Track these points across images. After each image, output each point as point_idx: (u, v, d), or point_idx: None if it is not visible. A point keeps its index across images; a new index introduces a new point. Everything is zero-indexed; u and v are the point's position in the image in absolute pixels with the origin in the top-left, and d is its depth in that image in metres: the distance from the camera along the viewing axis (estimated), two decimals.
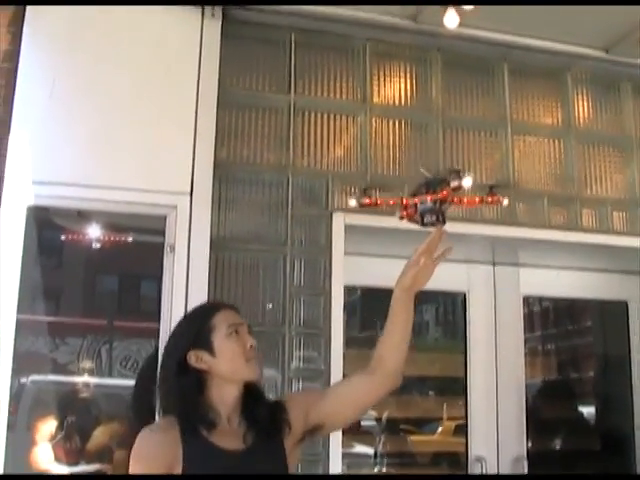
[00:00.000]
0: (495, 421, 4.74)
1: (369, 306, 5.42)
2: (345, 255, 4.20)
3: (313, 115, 4.32)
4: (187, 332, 2.68)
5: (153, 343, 4.03)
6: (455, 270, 4.81)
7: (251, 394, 2.66)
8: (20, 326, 3.75)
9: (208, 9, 4.16)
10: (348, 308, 5.17)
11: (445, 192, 2.70)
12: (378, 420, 5.34)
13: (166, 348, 2.71)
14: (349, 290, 4.98)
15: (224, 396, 2.62)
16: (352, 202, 2.82)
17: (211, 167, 4.05)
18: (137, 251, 4.80)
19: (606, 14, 4.31)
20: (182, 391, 2.58)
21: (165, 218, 4.00)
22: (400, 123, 4.45)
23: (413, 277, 2.69)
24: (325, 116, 4.34)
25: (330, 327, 4.09)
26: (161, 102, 4.03)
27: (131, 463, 2.49)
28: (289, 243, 4.14)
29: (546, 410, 5.40)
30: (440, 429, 5.51)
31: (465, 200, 2.88)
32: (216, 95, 4.12)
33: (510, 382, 4.80)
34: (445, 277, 4.77)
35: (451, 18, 4.16)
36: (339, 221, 4.19)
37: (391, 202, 2.86)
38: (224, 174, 4.10)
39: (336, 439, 4.00)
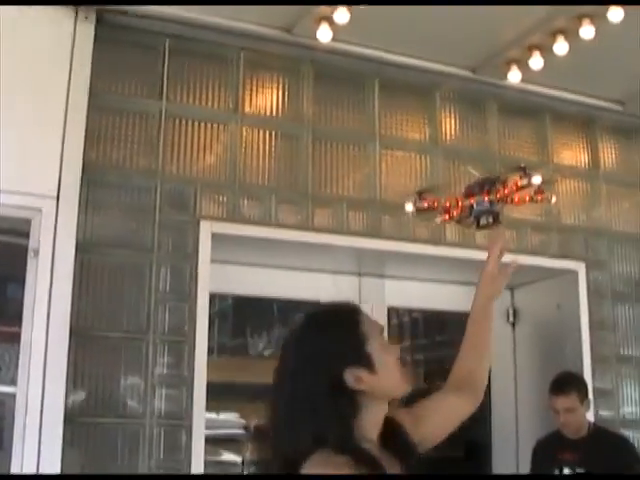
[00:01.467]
0: None
1: (240, 314, 5.45)
2: (213, 263, 4.19)
3: (184, 122, 4.31)
4: (340, 345, 2.10)
5: (17, 348, 3.94)
6: (321, 280, 4.88)
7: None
8: None
9: (82, 12, 4.10)
10: (219, 316, 5.19)
11: (507, 191, 2.63)
12: (246, 428, 5.36)
13: (309, 365, 2.08)
14: (220, 298, 4.99)
15: (379, 418, 2.13)
16: (409, 207, 2.67)
17: (79, 170, 3.98)
18: (3, 253, 4.70)
19: (474, 35, 4.45)
20: (341, 419, 2.04)
21: (30, 221, 3.93)
22: (271, 133, 4.48)
23: (495, 284, 2.59)
24: (196, 123, 4.33)
25: (195, 334, 4.08)
26: (29, 104, 3.95)
27: None
28: (155, 249, 4.11)
29: None
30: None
31: (516, 198, 2.70)
32: (87, 98, 4.06)
33: None
34: (311, 287, 4.89)
35: (324, 32, 4.24)
36: (206, 229, 4.18)
37: (447, 204, 2.74)
38: (92, 177, 4.04)
39: (198, 446, 3.99)
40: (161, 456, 3.94)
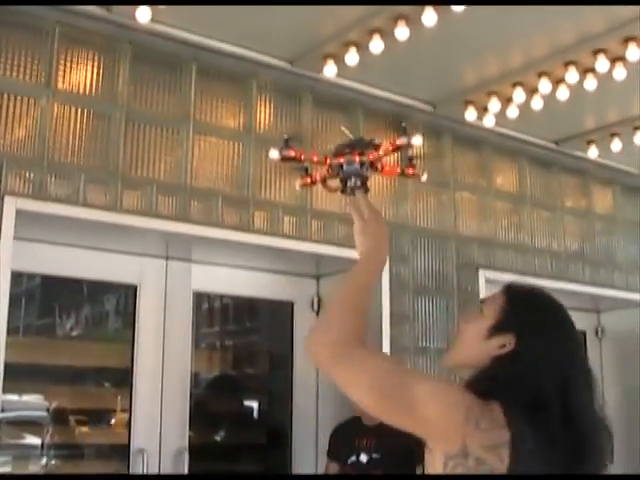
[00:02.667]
0: (159, 413, 4.81)
1: (48, 294, 5.35)
2: (19, 240, 4.08)
3: None
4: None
5: None
6: (128, 262, 4.86)
7: None
8: None
9: None
10: (26, 295, 5.08)
11: (381, 152, 2.41)
12: (47, 410, 5.27)
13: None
14: (28, 277, 4.89)
15: None
16: (274, 154, 2.50)
17: None
18: None
19: (293, 27, 4.53)
20: None
21: None
22: (83, 111, 4.39)
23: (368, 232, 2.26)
24: (6, 96, 4.18)
25: None
26: None
27: None
28: None
29: (212, 403, 5.57)
30: (113, 421, 5.50)
31: (387, 168, 2.46)
32: None
33: (176, 375, 4.89)
34: (118, 268, 4.86)
35: (143, 13, 4.21)
36: (10, 205, 4.05)
37: (314, 159, 2.52)
38: None
39: None
40: None
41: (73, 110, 4.39)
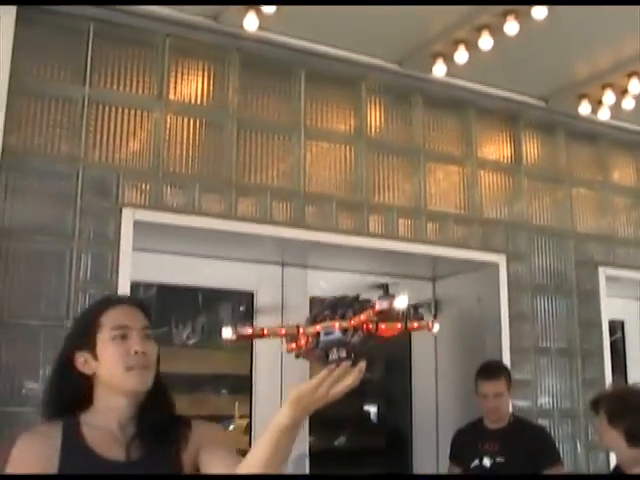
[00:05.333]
0: None
1: (164, 303, 5.41)
2: (136, 251, 4.15)
3: (107, 108, 4.24)
4: (75, 331, 2.49)
5: None
6: (244, 269, 4.88)
7: (149, 403, 2.41)
8: None
9: None
10: None
11: (362, 317, 2.02)
12: None
13: (60, 348, 2.50)
14: (145, 287, 4.95)
15: (113, 404, 2.41)
16: (227, 333, 2.18)
17: None
18: None
19: (400, 28, 4.49)
20: (67, 395, 2.41)
21: None
22: (195, 121, 4.45)
23: (306, 407, 2.13)
24: (120, 110, 4.27)
25: None
26: None
27: (7, 465, 2.31)
28: (76, 236, 4.04)
29: (330, 408, 5.54)
30: (232, 427, 5.54)
31: (382, 327, 2.10)
32: (7, 81, 3.97)
33: (295, 380, 4.85)
34: (234, 276, 4.89)
35: (251, 21, 4.23)
36: (128, 216, 4.13)
37: (282, 332, 2.14)
38: (12, 163, 3.96)
39: None
40: None
41: (185, 120, 4.44)
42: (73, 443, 2.34)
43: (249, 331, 2.14)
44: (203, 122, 4.47)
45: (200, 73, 4.54)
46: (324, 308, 2.08)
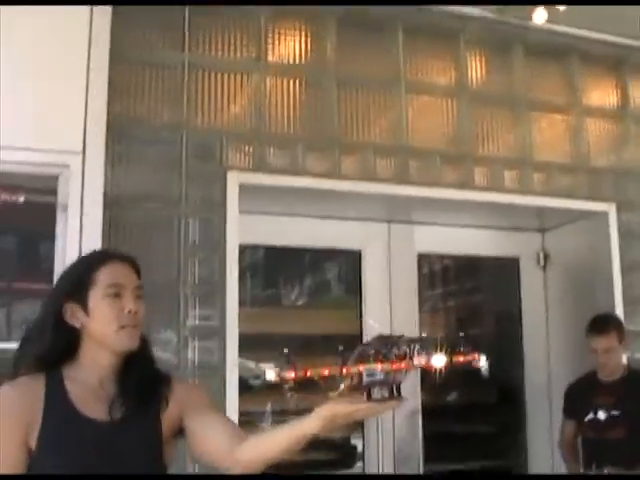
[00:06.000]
0: None
1: (271, 265, 5.45)
2: (242, 214, 4.18)
3: (208, 73, 4.27)
4: (67, 282, 2.47)
5: None
6: (351, 228, 4.87)
7: (132, 362, 2.45)
8: None
9: None
10: (251, 268, 5.19)
11: (403, 365, 2.11)
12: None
13: (47, 297, 2.50)
14: (251, 250, 4.99)
15: (97, 360, 2.43)
16: (270, 375, 2.19)
17: (104, 125, 3.94)
18: (35, 211, 4.71)
19: None
20: (52, 347, 2.40)
21: (57, 177, 3.92)
22: (295, 81, 4.43)
23: (333, 426, 2.26)
24: (220, 74, 4.29)
25: (225, 285, 4.08)
26: (51, 58, 3.90)
27: None
28: (184, 201, 4.10)
29: None
30: (342, 386, 5.57)
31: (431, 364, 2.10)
32: (108, 49, 4.01)
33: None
34: (341, 235, 4.89)
35: None
36: (233, 179, 4.16)
37: (325, 372, 2.23)
38: (118, 132, 4.00)
39: (232, 395, 4.01)
40: None
41: (285, 81, 4.44)
42: (56, 398, 2.35)
43: (292, 375, 2.21)
44: (303, 82, 4.46)
45: (297, 32, 4.52)
46: (368, 346, 2.20)
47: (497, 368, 5.84)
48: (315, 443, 4.97)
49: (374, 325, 2.17)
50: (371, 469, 4.75)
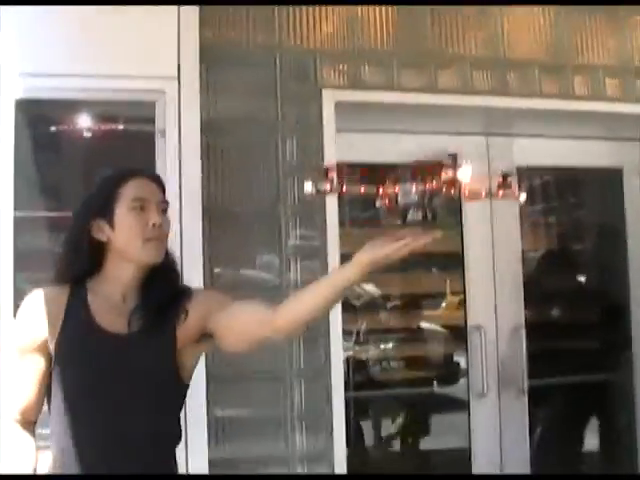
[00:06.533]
0: (493, 292, 4.78)
1: (369, 183, 5.44)
2: (338, 132, 4.17)
3: None
4: (94, 199, 2.54)
5: None
6: (448, 142, 4.79)
7: (155, 276, 2.53)
8: (19, 223, 3.75)
9: None
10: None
11: (435, 183, 2.14)
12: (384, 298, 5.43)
13: (74, 213, 2.60)
14: (348, 168, 4.98)
15: (121, 274, 2.51)
16: (308, 187, 2.20)
17: (197, 50, 3.97)
18: (132, 139, 4.76)
19: None
20: (78, 259, 2.50)
21: (154, 104, 3.96)
22: None
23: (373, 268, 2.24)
24: None
25: (325, 204, 4.08)
26: None
27: (15, 320, 2.52)
28: (280, 122, 4.12)
29: (544, 280, 5.46)
30: (444, 304, 5.57)
31: (466, 192, 2.06)
32: None
33: (507, 253, 4.82)
34: (439, 150, 4.82)
35: None
36: (329, 98, 4.16)
37: (361, 190, 2.25)
38: (211, 56, 4.03)
39: (336, 314, 4.05)
40: None
41: None
42: (77, 309, 2.46)
43: (327, 187, 2.21)
44: None
45: None
46: (405, 170, 2.14)
47: (602, 284, 5.75)
48: (419, 360, 5.03)
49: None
50: (475, 385, 4.74)
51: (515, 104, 4.52)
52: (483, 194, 1.92)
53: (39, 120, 4.25)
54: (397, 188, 1.91)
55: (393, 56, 4.29)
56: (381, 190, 1.96)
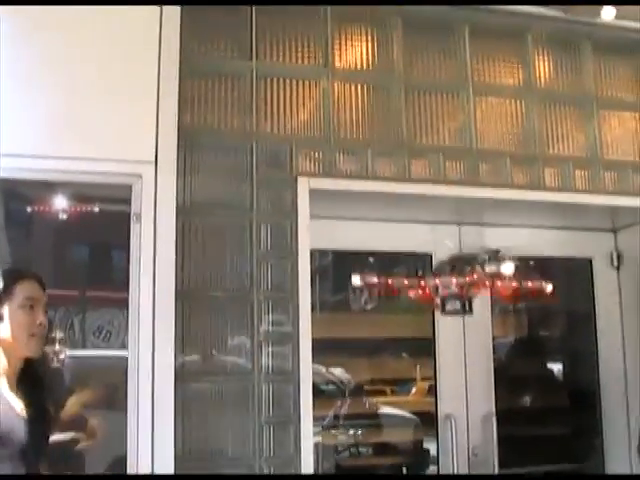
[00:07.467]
0: (464, 379, 4.80)
1: (340, 269, 5.46)
2: (312, 219, 4.21)
3: (276, 81, 4.31)
4: None
5: (125, 313, 4.04)
6: (421, 231, 4.85)
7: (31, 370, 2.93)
8: None
9: None
10: (320, 272, 5.22)
11: (475, 275, 2.32)
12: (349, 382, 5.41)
13: None
14: (320, 254, 5.01)
15: (12, 363, 2.87)
16: (356, 279, 2.41)
17: (175, 134, 4.03)
18: (107, 220, 4.79)
19: None
20: None
21: (131, 187, 3.99)
22: (362, 86, 4.45)
23: None
24: (288, 81, 4.33)
25: (298, 290, 4.11)
26: (123, 71, 4.00)
27: None
28: (255, 208, 4.14)
29: (514, 368, 5.49)
30: (414, 390, 5.57)
31: (499, 286, 2.23)
32: (178, 62, 4.10)
33: (478, 341, 4.83)
34: (411, 238, 4.88)
35: None
36: (304, 185, 4.20)
37: (405, 282, 2.45)
38: (188, 141, 4.08)
39: (306, 399, 4.04)
40: (270, 412, 4.00)
41: (353, 87, 4.45)
42: None
43: (375, 280, 2.38)
44: (370, 87, 4.47)
45: (363, 38, 4.53)
46: (444, 264, 2.29)
47: (571, 371, 5.79)
48: (387, 447, 5.02)
49: (449, 244, 2.27)
50: (445, 473, 4.73)
51: (486, 194, 4.56)
52: (514, 286, 2.04)
53: (15, 199, 4.28)
54: (438, 281, 2.04)
55: (367, 145, 4.36)
56: (422, 282, 2.10)
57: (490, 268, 1.98)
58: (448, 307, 2.02)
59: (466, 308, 2.01)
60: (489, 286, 2.03)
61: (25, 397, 2.87)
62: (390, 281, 2.13)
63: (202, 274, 4.04)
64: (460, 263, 2.04)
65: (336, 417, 5.31)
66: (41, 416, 2.92)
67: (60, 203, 4.54)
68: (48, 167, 3.88)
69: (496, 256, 2.14)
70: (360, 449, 5.42)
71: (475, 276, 2.01)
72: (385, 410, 5.48)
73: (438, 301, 2.07)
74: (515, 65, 4.81)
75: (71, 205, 4.61)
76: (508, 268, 1.98)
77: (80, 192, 4.38)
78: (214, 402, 3.96)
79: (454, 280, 2.00)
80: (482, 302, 4.87)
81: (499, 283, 2.04)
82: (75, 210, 4.65)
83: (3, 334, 2.84)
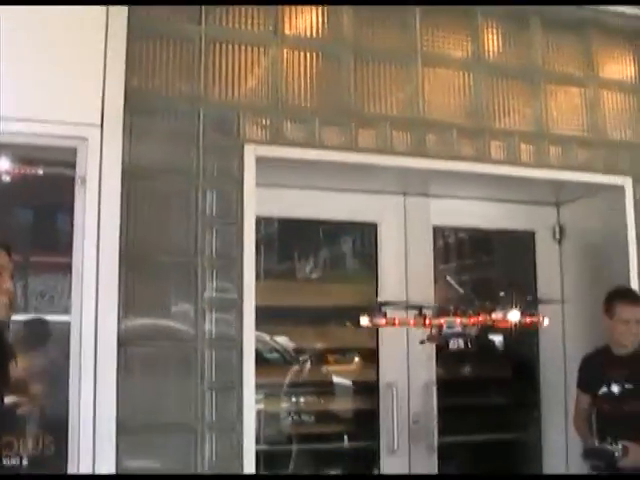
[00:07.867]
0: (406, 348, 4.83)
1: (286, 238, 5.46)
2: (259, 187, 4.19)
3: (224, 46, 4.27)
4: None
5: (69, 278, 4.00)
6: (367, 201, 4.87)
7: None
8: None
9: None
10: (265, 239, 5.21)
11: (480, 317, 2.53)
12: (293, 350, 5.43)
13: None
14: (266, 221, 5.00)
15: None
16: (364, 321, 2.54)
17: (122, 98, 3.98)
18: (52, 184, 4.73)
19: None
20: None
21: (76, 150, 3.94)
22: (312, 54, 4.43)
23: None
24: (237, 47, 4.29)
25: (242, 257, 4.11)
26: (69, 34, 3.93)
27: None
28: (201, 174, 4.12)
29: None
30: (357, 358, 5.60)
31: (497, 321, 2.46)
32: (126, 25, 4.04)
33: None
34: (357, 208, 4.90)
35: None
36: (250, 152, 4.18)
37: (411, 322, 2.60)
38: (135, 105, 4.03)
39: (249, 366, 4.05)
40: (213, 378, 4.00)
41: (302, 54, 4.44)
42: None
43: (383, 321, 2.51)
44: (319, 55, 4.46)
45: (314, 6, 4.50)
46: (448, 305, 2.47)
47: (512, 342, 5.86)
48: (330, 415, 5.04)
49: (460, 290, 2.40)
50: (387, 442, 4.78)
51: (432, 165, 4.59)
52: (513, 325, 2.23)
53: None
54: (443, 320, 2.26)
55: (315, 113, 4.35)
56: (428, 321, 2.29)
57: (497, 315, 2.17)
58: (451, 345, 2.27)
59: (468, 345, 2.26)
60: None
61: None
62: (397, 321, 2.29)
63: (147, 239, 4.02)
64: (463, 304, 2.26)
65: (279, 385, 5.32)
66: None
67: (2, 165, 4.45)
68: None
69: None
70: (303, 417, 5.44)
71: (480, 318, 2.23)
72: (328, 378, 5.50)
73: (441, 339, 2.30)
74: (465, 37, 4.82)
75: (14, 167, 4.52)
76: (514, 316, 2.14)
77: (24, 155, 4.29)
78: (157, 367, 3.96)
79: (458, 320, 2.20)
80: (425, 270, 4.95)
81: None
82: (18, 173, 4.56)
83: None
